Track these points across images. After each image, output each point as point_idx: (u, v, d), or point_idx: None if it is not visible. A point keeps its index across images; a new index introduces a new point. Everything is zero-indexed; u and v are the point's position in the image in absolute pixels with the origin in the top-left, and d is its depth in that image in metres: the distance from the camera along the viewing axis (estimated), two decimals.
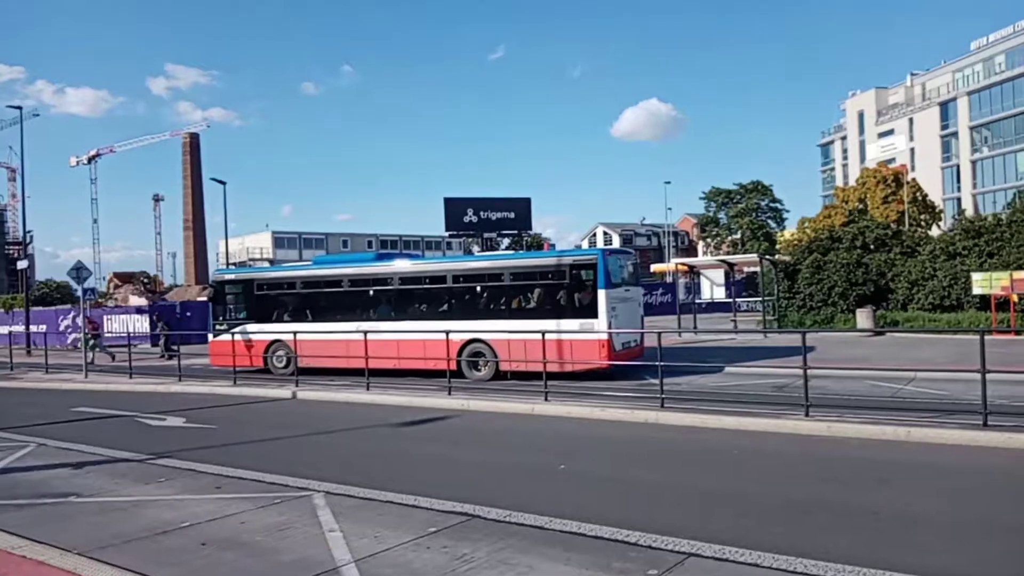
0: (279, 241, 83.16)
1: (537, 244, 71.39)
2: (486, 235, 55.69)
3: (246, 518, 6.92)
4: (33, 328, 30.09)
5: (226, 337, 19.57)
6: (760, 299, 28.99)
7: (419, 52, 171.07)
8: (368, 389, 14.97)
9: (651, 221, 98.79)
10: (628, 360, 15.75)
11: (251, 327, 19.42)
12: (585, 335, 15.02)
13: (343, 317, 17.88)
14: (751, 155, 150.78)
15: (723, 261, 29.82)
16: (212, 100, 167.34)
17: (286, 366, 18.78)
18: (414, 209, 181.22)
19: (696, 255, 66.82)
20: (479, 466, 9.34)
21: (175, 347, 23.46)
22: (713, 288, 28.35)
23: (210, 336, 20.28)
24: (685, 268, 31.85)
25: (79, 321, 25.86)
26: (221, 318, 20.14)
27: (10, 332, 30.57)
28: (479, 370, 16.37)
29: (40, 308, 35.46)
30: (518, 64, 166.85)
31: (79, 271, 20.03)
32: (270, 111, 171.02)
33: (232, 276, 21.95)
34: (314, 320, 18.57)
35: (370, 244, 79.87)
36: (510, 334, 15.65)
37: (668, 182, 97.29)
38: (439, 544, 5.96)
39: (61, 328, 32.48)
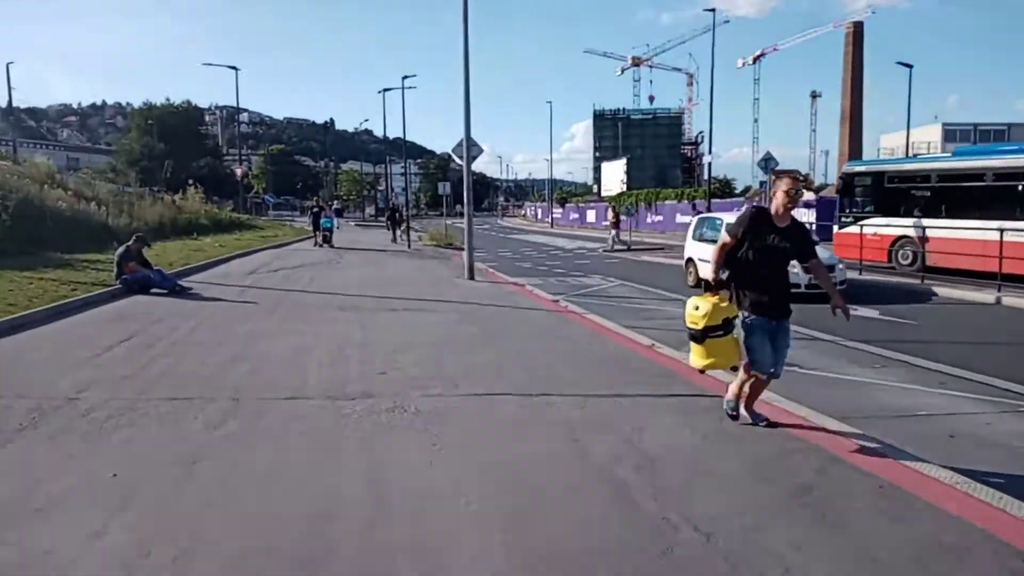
0: (950, 134, 74.32)
1: None
2: None
3: (989, 419, 6.46)
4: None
5: (852, 229, 19.34)
6: None
7: None
8: None
9: None
10: None
11: (878, 220, 18.87)
12: None
13: (983, 215, 15.86)
14: None
15: None
16: None
17: (912, 263, 17.80)
18: None
19: None
20: None
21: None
22: None
23: (835, 228, 20.30)
24: None
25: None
26: (848, 210, 20.01)
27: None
28: None
29: (716, 200, 39.62)
30: None
31: (767, 161, 22.01)
32: None
33: (862, 168, 21.44)
34: (948, 216, 16.95)
35: None
36: None
37: None
38: None
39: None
